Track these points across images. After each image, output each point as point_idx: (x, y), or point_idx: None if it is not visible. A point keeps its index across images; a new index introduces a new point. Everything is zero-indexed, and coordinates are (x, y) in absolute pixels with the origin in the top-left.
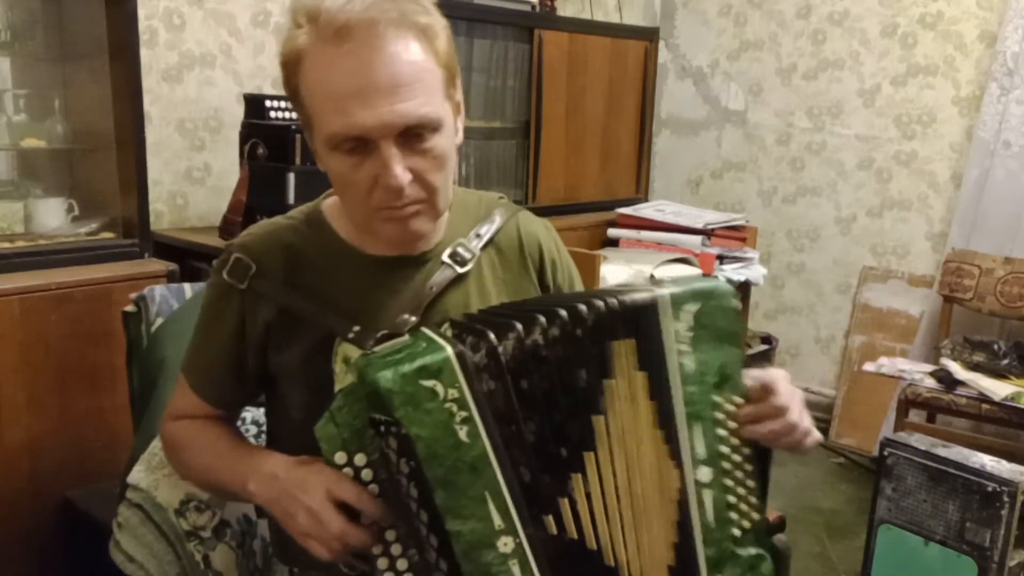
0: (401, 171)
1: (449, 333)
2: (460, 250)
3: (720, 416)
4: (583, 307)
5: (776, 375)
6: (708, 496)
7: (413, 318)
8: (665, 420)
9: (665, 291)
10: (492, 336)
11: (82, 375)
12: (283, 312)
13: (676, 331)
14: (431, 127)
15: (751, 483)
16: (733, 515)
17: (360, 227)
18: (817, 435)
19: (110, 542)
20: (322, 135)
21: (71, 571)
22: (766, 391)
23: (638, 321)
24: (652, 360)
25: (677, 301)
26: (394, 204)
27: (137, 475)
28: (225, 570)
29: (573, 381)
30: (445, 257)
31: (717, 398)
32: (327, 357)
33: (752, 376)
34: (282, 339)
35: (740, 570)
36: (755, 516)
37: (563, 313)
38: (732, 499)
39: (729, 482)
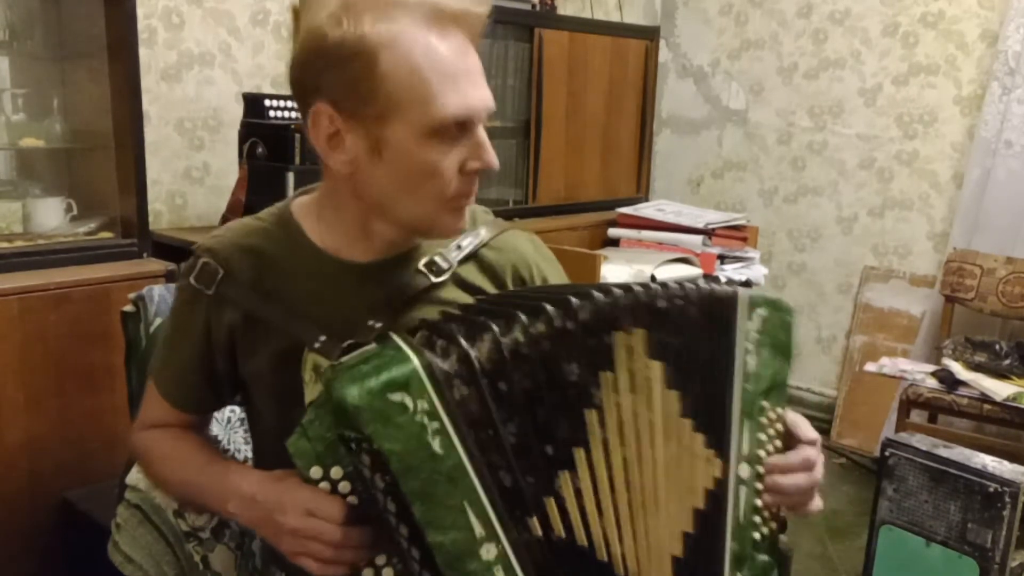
0: (494, 153)
1: (420, 338)
2: (438, 260)
3: (764, 421)
4: (576, 300)
5: (812, 433)
6: (743, 493)
7: (379, 324)
8: (707, 410)
9: (745, 290)
10: (463, 341)
11: (81, 375)
12: (249, 317)
13: (747, 329)
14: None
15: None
16: (757, 518)
17: (412, 224)
18: (819, 503)
19: (109, 543)
20: (426, 121)
21: (70, 572)
22: (799, 439)
23: (718, 309)
24: (706, 350)
25: (753, 302)
26: (470, 190)
27: (136, 476)
28: (224, 571)
29: (561, 377)
30: (421, 266)
31: (765, 404)
32: (296, 364)
33: (791, 422)
34: (249, 345)
35: (755, 573)
36: (773, 525)
37: (550, 308)
38: (759, 503)
39: (760, 486)
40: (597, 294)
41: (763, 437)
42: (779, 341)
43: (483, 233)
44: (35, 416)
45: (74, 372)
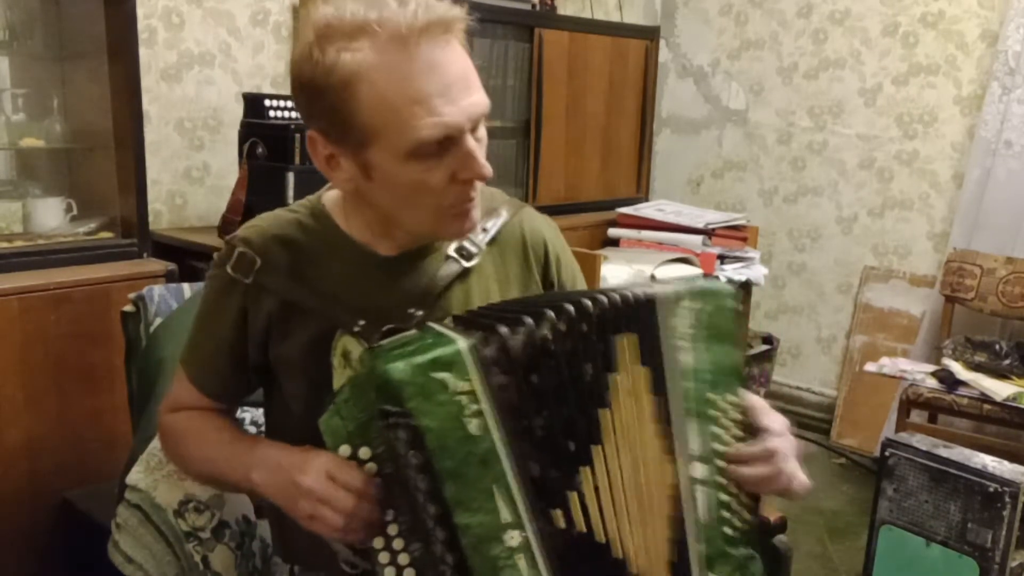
0: (483, 161)
1: (456, 326)
2: (467, 244)
3: (715, 414)
4: (588, 302)
5: (773, 418)
6: (701, 493)
7: (420, 312)
8: (663, 415)
9: (666, 288)
10: (504, 330)
11: (81, 375)
12: (287, 305)
13: (676, 327)
14: (485, 116)
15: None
16: (725, 513)
17: (416, 232)
18: (803, 480)
19: (109, 543)
20: (401, 145)
21: (70, 572)
22: (758, 432)
23: (639, 316)
24: (652, 355)
25: (678, 298)
26: (469, 197)
27: (136, 476)
28: (224, 571)
29: (580, 375)
30: (451, 251)
31: (713, 396)
32: (327, 351)
33: (749, 409)
34: (283, 330)
35: (730, 569)
36: (747, 516)
37: (570, 307)
38: (725, 497)
39: (723, 480)
40: (601, 297)
41: (718, 430)
42: (718, 329)
43: (504, 213)
44: (35, 416)
45: (74, 372)
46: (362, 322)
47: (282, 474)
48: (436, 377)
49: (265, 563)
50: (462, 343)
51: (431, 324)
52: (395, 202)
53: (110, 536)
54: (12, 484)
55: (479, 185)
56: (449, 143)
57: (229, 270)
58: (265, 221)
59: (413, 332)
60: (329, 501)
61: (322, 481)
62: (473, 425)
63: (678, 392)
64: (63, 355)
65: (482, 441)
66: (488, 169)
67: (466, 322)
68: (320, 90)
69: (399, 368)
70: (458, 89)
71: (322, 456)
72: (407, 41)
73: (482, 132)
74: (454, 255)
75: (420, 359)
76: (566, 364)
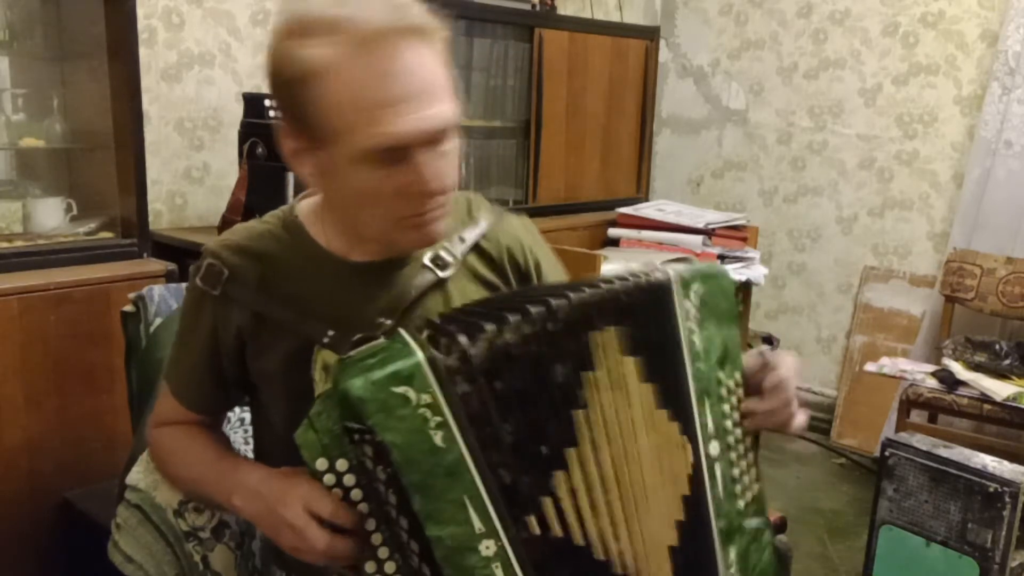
0: (437, 177)
1: (425, 336)
2: (442, 253)
3: (723, 392)
4: (555, 302)
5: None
6: (718, 469)
7: (389, 321)
8: (674, 398)
9: (674, 270)
10: (463, 338)
11: (81, 375)
12: (258, 318)
13: (686, 309)
14: (452, 130)
15: (751, 456)
16: (738, 488)
17: (375, 238)
18: (803, 419)
19: (109, 543)
20: (351, 150)
21: (70, 572)
22: (766, 365)
23: (653, 300)
24: (658, 340)
25: (685, 281)
26: (422, 211)
27: (136, 475)
28: (224, 571)
29: (549, 378)
30: (426, 260)
31: (720, 375)
32: (307, 365)
33: (752, 353)
34: (259, 345)
35: (746, 541)
36: (755, 488)
37: (534, 310)
38: (736, 472)
39: (733, 456)
40: (571, 294)
41: (726, 409)
42: (721, 309)
43: (483, 223)
44: (35, 416)
45: (74, 372)
46: (331, 333)
47: (262, 502)
48: (396, 391)
49: (265, 563)
50: (420, 355)
51: (401, 332)
52: (351, 206)
53: (110, 536)
54: (12, 484)
55: (456, 192)
56: (400, 155)
57: (199, 282)
58: (236, 233)
59: (382, 341)
60: (308, 539)
61: (301, 515)
62: (438, 437)
63: (690, 374)
64: (63, 355)
65: (447, 452)
66: (437, 186)
67: (439, 328)
68: (282, 82)
69: (357, 384)
70: (414, 101)
71: (301, 485)
72: (365, 45)
73: (450, 144)
74: (429, 264)
75: (378, 374)
76: (531, 368)
